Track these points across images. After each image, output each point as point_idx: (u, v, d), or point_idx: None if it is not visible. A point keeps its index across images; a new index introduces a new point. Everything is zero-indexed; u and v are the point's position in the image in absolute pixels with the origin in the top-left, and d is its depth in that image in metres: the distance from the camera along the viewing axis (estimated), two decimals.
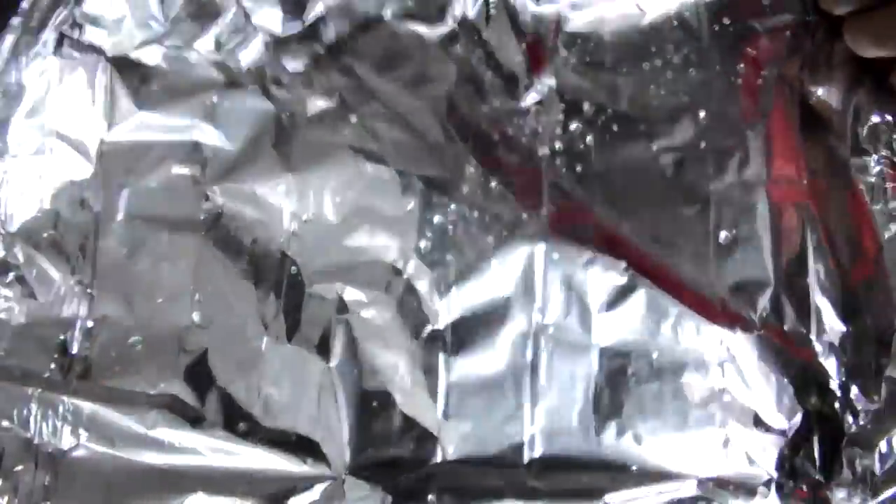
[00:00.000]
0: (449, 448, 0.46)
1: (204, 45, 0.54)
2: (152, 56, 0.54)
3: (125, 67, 0.54)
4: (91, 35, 0.54)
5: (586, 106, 0.52)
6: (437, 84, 0.53)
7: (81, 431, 0.47)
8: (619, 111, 0.51)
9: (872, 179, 0.50)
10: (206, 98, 0.53)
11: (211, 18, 0.54)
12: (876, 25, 0.48)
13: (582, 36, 0.53)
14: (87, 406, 0.47)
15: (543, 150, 0.51)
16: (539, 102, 0.52)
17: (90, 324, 0.49)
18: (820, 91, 0.52)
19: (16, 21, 0.53)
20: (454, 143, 0.51)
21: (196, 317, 0.48)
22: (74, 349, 0.48)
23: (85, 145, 0.52)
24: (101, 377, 0.48)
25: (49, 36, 0.53)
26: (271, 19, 0.54)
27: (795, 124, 0.51)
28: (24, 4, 0.53)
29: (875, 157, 0.50)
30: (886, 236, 0.49)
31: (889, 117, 0.51)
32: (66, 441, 0.47)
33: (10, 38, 0.52)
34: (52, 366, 0.48)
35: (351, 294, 0.48)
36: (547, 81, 0.52)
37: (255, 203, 0.51)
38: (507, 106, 0.52)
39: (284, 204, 0.50)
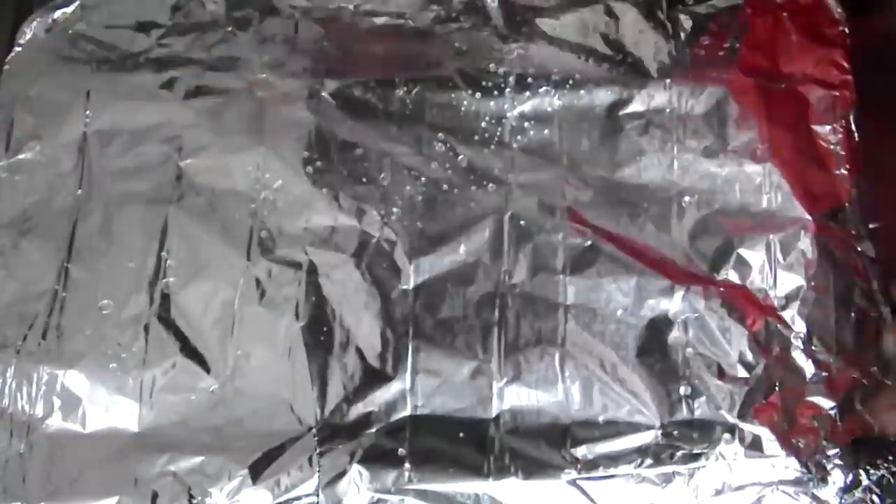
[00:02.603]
0: (419, 403, 0.46)
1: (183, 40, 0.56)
2: (130, 46, 0.56)
3: (104, 61, 0.55)
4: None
5: (555, 71, 0.53)
6: (407, 55, 0.54)
7: (55, 399, 0.47)
8: (586, 78, 0.53)
9: (832, 147, 0.51)
10: (182, 82, 0.54)
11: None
12: None
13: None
14: (60, 373, 0.48)
15: (512, 114, 0.52)
16: (508, 69, 0.53)
17: (64, 294, 0.49)
18: (782, 65, 0.54)
19: None
20: (423, 115, 0.53)
21: (168, 281, 0.49)
22: (48, 318, 0.49)
23: (68, 136, 0.53)
24: (71, 342, 0.48)
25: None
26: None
27: (758, 93, 0.53)
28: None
29: (835, 125, 0.52)
30: (848, 197, 0.50)
31: (846, 92, 0.52)
32: (41, 409, 0.47)
33: None
34: (27, 336, 0.48)
35: (320, 257, 0.49)
36: (516, 48, 0.54)
37: (228, 174, 0.52)
38: (477, 72, 0.53)
39: (256, 174, 0.52)
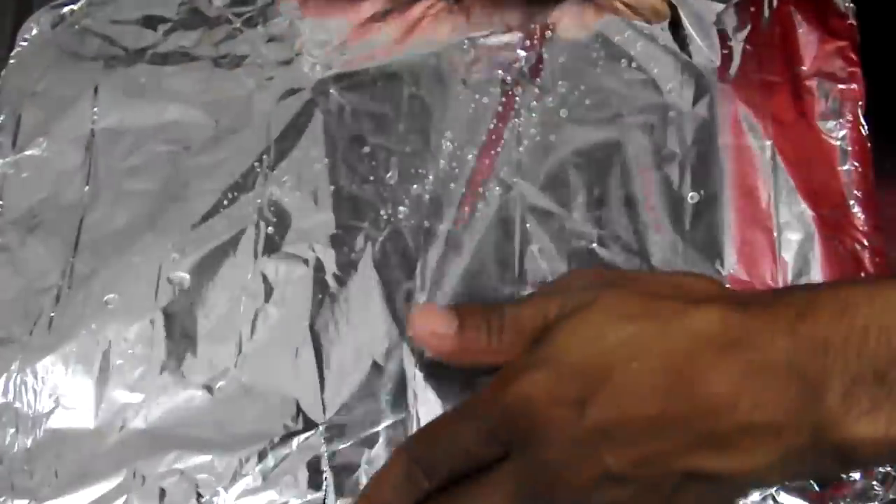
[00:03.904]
0: (426, 402, 0.46)
1: (190, 36, 0.56)
2: (136, 41, 0.56)
3: (111, 56, 0.56)
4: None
5: (562, 75, 0.53)
6: (414, 58, 0.54)
7: (60, 394, 0.47)
8: (591, 83, 0.53)
9: (838, 143, 0.51)
10: (189, 79, 0.54)
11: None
12: None
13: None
14: (65, 368, 0.48)
15: (519, 120, 0.52)
16: (517, 75, 0.53)
17: (68, 288, 0.49)
18: (788, 58, 0.53)
19: None
20: (430, 116, 0.53)
21: (173, 276, 0.49)
22: (53, 313, 0.49)
23: (76, 133, 0.53)
24: (76, 336, 0.48)
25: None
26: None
27: (763, 87, 0.53)
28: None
29: (841, 121, 0.51)
30: (853, 196, 0.50)
31: (854, 85, 0.52)
32: (46, 404, 0.47)
33: None
34: (33, 331, 0.49)
35: (327, 254, 0.49)
36: (523, 56, 0.54)
37: (235, 171, 0.52)
38: (485, 78, 0.53)
39: (263, 171, 0.52)
